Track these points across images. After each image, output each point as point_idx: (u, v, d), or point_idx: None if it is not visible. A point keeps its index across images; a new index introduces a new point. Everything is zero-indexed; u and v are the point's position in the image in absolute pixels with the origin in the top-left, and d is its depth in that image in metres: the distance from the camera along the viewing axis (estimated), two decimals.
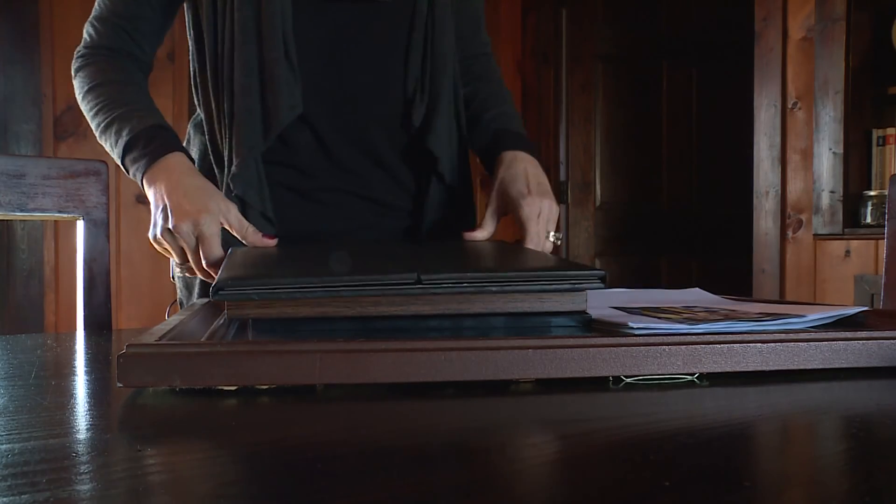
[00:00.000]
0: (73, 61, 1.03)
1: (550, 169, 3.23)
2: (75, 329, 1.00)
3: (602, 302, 0.75)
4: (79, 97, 1.01)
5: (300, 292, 0.57)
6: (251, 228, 0.88)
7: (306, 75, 0.98)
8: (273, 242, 0.88)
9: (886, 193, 1.23)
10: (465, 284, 0.59)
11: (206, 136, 1.02)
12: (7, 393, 0.49)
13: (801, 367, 0.53)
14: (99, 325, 1.01)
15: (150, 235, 0.88)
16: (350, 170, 1.04)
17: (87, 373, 0.59)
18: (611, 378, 0.51)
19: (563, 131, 3.26)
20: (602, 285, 0.60)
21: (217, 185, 0.96)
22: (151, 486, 0.31)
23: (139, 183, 0.92)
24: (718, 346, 0.52)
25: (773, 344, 0.53)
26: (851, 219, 2.49)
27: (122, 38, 1.03)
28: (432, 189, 1.06)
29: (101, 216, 1.04)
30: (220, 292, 0.57)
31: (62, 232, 2.40)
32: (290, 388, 0.49)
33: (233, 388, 0.48)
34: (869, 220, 2.48)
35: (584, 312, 0.62)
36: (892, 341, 0.55)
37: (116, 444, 0.38)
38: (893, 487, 0.32)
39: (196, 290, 1.06)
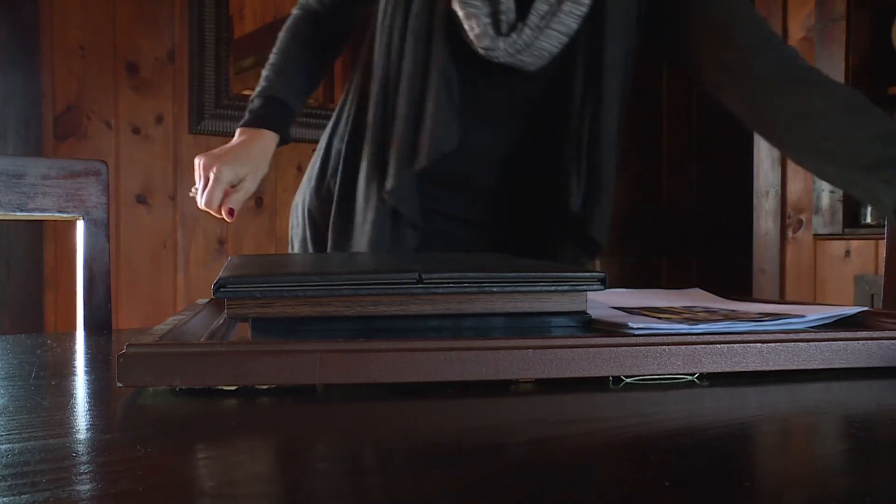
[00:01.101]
0: (291, 14, 1.19)
1: None
2: (75, 329, 1.00)
3: (602, 302, 0.75)
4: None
5: (301, 290, 0.57)
6: (232, 199, 1.01)
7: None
8: (225, 215, 1.02)
9: None
10: (466, 284, 0.59)
11: (366, 146, 1.07)
12: (7, 393, 0.49)
13: (801, 367, 0.53)
14: (99, 325, 1.01)
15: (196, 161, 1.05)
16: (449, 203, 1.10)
17: (87, 373, 0.59)
18: (611, 378, 0.51)
19: None
20: (602, 287, 0.60)
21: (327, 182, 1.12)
22: (151, 486, 0.31)
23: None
24: (718, 346, 0.52)
25: (773, 344, 0.53)
26: (851, 219, 2.49)
27: (320, 4, 1.16)
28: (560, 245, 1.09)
29: (101, 216, 1.04)
30: (222, 289, 0.57)
31: (62, 232, 2.40)
32: (290, 388, 0.49)
33: (233, 388, 0.48)
34: (869, 220, 2.48)
35: (584, 313, 0.62)
36: (892, 341, 0.55)
37: (116, 444, 0.38)
38: (893, 487, 0.32)
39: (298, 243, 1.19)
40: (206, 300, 0.79)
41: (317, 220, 1.15)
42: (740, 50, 0.96)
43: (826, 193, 2.49)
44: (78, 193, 1.03)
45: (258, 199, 2.72)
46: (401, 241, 1.03)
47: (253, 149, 1.05)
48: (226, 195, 1.01)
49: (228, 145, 1.06)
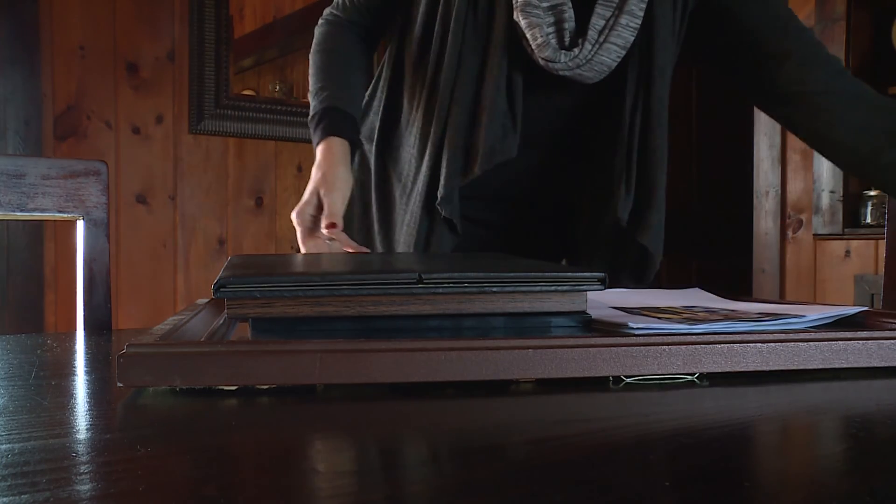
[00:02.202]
0: (322, 18, 1.16)
1: None
2: (75, 329, 1.00)
3: (602, 302, 0.75)
4: (310, 54, 1.15)
5: (302, 290, 0.57)
6: (325, 221, 0.96)
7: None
8: (336, 233, 0.95)
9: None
10: (466, 284, 0.59)
11: (414, 149, 1.07)
12: (7, 393, 0.49)
13: (801, 367, 0.53)
14: (99, 325, 1.01)
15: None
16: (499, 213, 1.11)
17: (87, 373, 0.59)
18: (611, 378, 0.51)
19: None
20: (602, 287, 0.60)
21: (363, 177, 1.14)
22: (151, 486, 0.31)
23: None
24: (718, 346, 0.52)
25: (773, 344, 0.53)
26: (851, 219, 2.49)
27: (358, 15, 1.13)
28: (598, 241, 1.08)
29: (101, 216, 1.04)
30: (222, 289, 0.57)
31: (62, 232, 2.40)
32: (290, 388, 0.49)
33: (233, 388, 0.48)
34: (869, 220, 2.48)
35: (584, 313, 0.62)
36: (892, 341, 0.55)
37: (116, 444, 0.38)
38: (893, 487, 0.32)
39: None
40: (206, 300, 0.79)
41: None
42: (784, 62, 0.99)
43: (826, 193, 2.49)
44: (78, 193, 1.03)
45: (258, 199, 2.72)
46: (438, 243, 1.03)
47: (333, 173, 1.01)
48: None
49: (317, 177, 1.01)
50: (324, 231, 0.95)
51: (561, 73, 0.96)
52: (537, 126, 1.04)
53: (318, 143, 1.04)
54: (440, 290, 0.59)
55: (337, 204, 0.96)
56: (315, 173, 1.00)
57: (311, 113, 1.08)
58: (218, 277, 0.58)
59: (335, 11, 1.14)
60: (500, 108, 0.97)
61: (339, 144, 1.03)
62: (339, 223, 0.95)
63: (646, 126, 1.00)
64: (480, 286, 0.59)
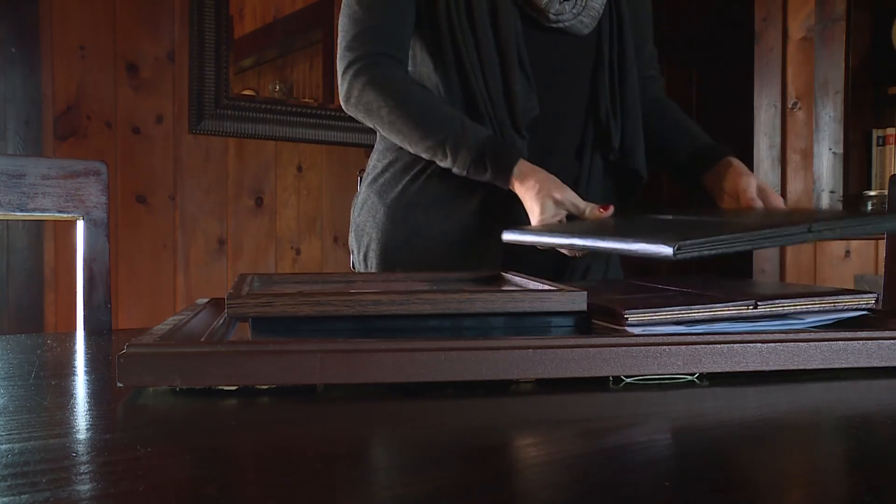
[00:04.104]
0: (348, 65, 1.07)
1: None
2: (75, 329, 1.00)
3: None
4: (377, 115, 1.06)
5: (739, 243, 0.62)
6: (590, 206, 0.99)
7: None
8: (609, 211, 0.98)
9: (886, 193, 1.23)
10: (856, 226, 0.64)
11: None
12: (7, 393, 0.49)
13: (801, 367, 0.53)
14: (99, 325, 1.01)
15: (543, 215, 0.99)
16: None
17: (87, 373, 0.59)
18: (611, 378, 0.51)
19: None
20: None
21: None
22: (151, 486, 0.31)
23: (508, 185, 1.02)
24: (718, 346, 0.52)
25: (773, 344, 0.53)
26: None
27: (388, 43, 1.08)
28: (591, 190, 1.14)
29: (101, 216, 1.04)
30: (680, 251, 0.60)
31: (62, 232, 2.40)
32: (290, 388, 0.49)
33: (233, 388, 0.48)
34: None
35: (584, 313, 0.62)
36: (892, 341, 0.55)
37: (116, 444, 0.38)
38: (893, 487, 0.32)
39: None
40: (206, 300, 0.79)
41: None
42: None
43: (826, 193, 2.50)
44: (78, 193, 1.03)
45: (258, 199, 2.72)
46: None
47: (547, 175, 1.01)
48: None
49: (541, 188, 1.00)
50: (605, 213, 1.00)
51: (566, 23, 1.09)
52: (548, 83, 1.11)
53: (510, 167, 1.01)
54: (829, 237, 0.64)
55: (577, 198, 0.99)
56: (531, 188, 0.99)
57: (462, 159, 1.02)
58: (671, 242, 0.61)
59: (361, 53, 1.06)
60: (519, 71, 1.07)
61: (525, 161, 1.02)
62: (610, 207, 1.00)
63: (622, 68, 1.14)
64: (863, 228, 0.65)
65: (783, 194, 2.61)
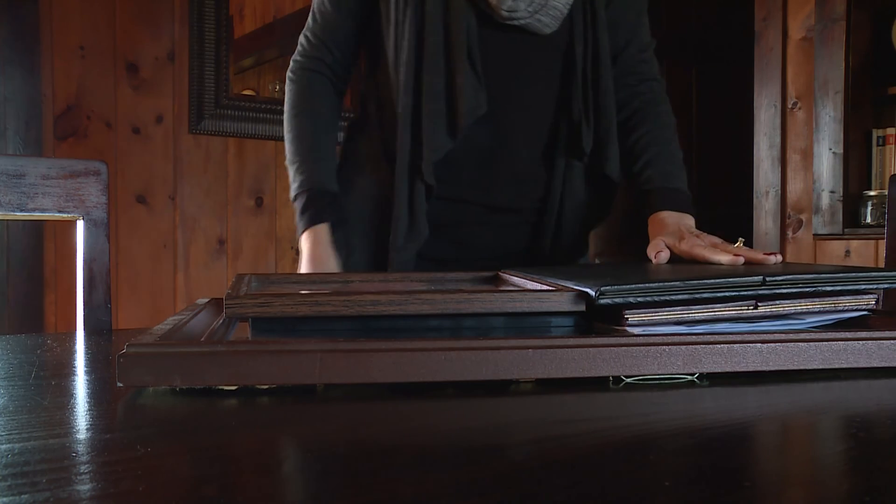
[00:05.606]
0: (289, 68, 1.18)
1: None
2: (75, 329, 1.00)
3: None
4: (285, 113, 1.18)
5: (668, 294, 0.59)
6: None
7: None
8: None
9: (886, 193, 1.23)
10: (801, 285, 0.60)
11: (380, 135, 1.15)
12: (7, 393, 0.49)
13: (801, 367, 0.53)
14: (99, 325, 1.01)
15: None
16: (477, 183, 1.13)
17: (87, 373, 0.59)
18: (611, 378, 0.51)
19: None
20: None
21: (385, 175, 1.13)
22: (151, 486, 0.31)
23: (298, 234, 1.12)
24: (718, 346, 0.52)
25: (773, 344, 0.53)
26: (851, 219, 2.49)
27: (326, 52, 1.16)
28: (565, 193, 1.14)
29: (101, 216, 1.04)
30: (602, 297, 0.58)
31: (62, 232, 2.40)
32: (290, 388, 0.49)
33: (233, 388, 0.48)
34: (869, 220, 2.48)
35: (584, 313, 0.62)
36: (892, 341, 0.55)
37: (116, 444, 0.38)
38: (893, 487, 0.32)
39: None
40: (206, 300, 0.79)
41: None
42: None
43: (826, 193, 2.49)
44: (78, 193, 1.03)
45: (258, 199, 2.72)
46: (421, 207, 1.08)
47: (322, 257, 1.09)
48: None
49: (304, 263, 1.10)
50: None
51: (522, 21, 1.04)
52: (507, 82, 1.09)
53: (303, 231, 1.10)
54: (782, 291, 0.60)
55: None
56: (307, 262, 1.08)
57: (292, 192, 1.13)
58: (600, 287, 0.58)
59: (300, 58, 1.16)
60: (469, 68, 1.04)
61: (325, 231, 1.10)
62: None
63: (595, 70, 1.10)
64: (814, 286, 0.60)
65: (783, 194, 2.61)
